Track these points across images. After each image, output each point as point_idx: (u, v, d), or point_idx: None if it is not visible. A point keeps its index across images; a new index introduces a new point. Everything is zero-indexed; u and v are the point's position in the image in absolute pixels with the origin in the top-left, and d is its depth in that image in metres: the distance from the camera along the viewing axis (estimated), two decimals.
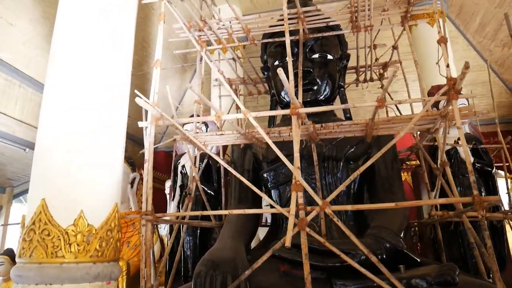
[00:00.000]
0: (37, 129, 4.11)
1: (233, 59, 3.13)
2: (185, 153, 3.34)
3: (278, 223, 2.41)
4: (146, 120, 1.85)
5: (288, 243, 1.53)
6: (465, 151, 1.43)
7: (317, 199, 1.59)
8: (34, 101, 4.34)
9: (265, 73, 2.79)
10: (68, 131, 1.47)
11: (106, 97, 1.54)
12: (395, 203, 1.60)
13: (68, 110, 1.48)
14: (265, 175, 2.47)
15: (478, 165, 2.54)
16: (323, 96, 2.51)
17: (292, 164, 2.38)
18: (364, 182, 2.40)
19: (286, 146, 2.42)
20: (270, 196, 2.51)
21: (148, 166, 1.74)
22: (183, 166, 3.03)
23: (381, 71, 2.95)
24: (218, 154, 2.93)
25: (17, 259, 1.43)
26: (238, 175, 1.76)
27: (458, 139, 2.48)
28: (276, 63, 2.59)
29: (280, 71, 1.40)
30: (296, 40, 2.52)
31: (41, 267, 1.33)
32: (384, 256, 1.77)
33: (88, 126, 1.49)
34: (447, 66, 1.56)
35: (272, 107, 2.78)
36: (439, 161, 2.49)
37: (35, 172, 1.49)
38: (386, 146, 1.75)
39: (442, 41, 1.59)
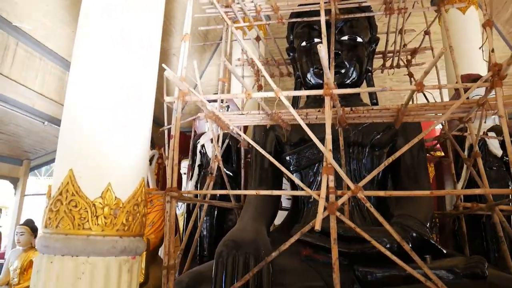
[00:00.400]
0: (56, 103, 4.14)
1: (256, 38, 3.05)
2: (204, 132, 3.31)
3: (300, 207, 2.38)
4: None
5: (318, 227, 1.50)
6: (507, 142, 1.36)
7: (350, 183, 1.55)
8: (54, 75, 4.33)
9: (291, 54, 2.72)
10: (98, 104, 1.44)
11: (136, 68, 1.50)
12: (430, 191, 1.55)
13: (99, 82, 1.45)
14: (287, 158, 2.43)
15: (507, 158, 2.46)
16: (350, 80, 2.44)
17: (314, 148, 2.35)
18: (389, 170, 2.34)
19: (311, 129, 2.37)
20: (291, 180, 2.47)
21: (174, 142, 1.72)
22: (203, 146, 3.00)
23: (409, 57, 2.85)
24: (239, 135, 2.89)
25: (42, 230, 1.42)
26: (266, 154, 1.72)
27: (488, 130, 2.39)
28: (304, 44, 2.52)
29: (320, 47, 1.34)
30: (326, 21, 2.44)
31: (67, 238, 1.32)
32: (410, 245, 1.73)
33: (119, 100, 1.46)
34: (492, 51, 1.48)
35: (297, 89, 2.71)
36: (466, 152, 2.42)
37: (62, 143, 1.46)
38: (421, 135, 1.69)
39: (488, 24, 1.50)
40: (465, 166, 2.16)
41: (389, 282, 1.70)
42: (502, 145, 2.39)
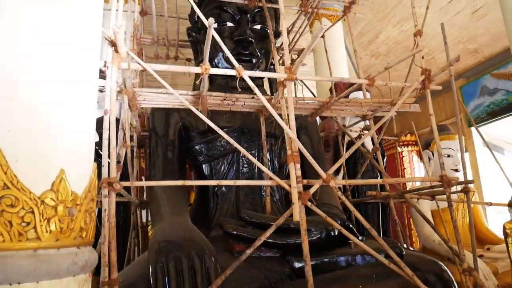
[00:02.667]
0: None
1: (141, 13, 2.66)
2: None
3: (209, 199, 2.19)
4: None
5: (297, 218, 1.42)
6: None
7: (321, 172, 1.52)
8: None
9: (194, 34, 2.49)
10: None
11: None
12: (382, 180, 1.68)
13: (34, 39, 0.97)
14: (196, 147, 2.22)
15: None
16: (259, 71, 2.41)
17: (229, 136, 2.22)
18: None
19: (224, 116, 2.23)
20: (199, 172, 2.27)
21: (110, 117, 1.32)
22: None
23: (295, 57, 3.05)
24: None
25: None
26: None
27: (363, 129, 2.77)
28: (215, 25, 2.34)
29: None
30: (240, 6, 2.35)
31: (2, 258, 0.83)
32: (336, 233, 1.82)
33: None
34: (422, 57, 1.73)
35: (197, 76, 2.50)
36: (345, 146, 2.77)
37: None
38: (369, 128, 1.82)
39: (418, 34, 1.75)
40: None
41: (321, 270, 1.76)
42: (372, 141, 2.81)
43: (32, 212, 0.89)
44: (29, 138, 0.92)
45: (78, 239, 0.98)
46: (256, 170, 2.21)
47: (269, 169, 2.26)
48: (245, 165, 2.20)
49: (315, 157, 2.41)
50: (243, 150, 1.55)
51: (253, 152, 2.23)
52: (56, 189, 0.93)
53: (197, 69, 1.53)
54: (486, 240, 2.55)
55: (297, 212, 1.41)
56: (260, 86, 2.50)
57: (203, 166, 2.21)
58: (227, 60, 2.32)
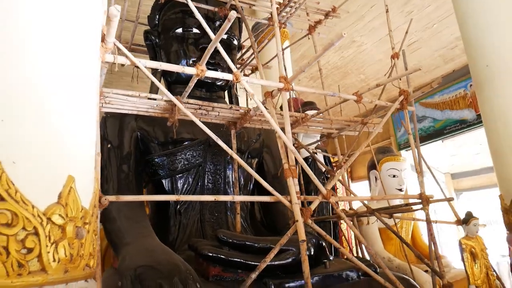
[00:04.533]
0: None
1: None
2: None
3: (169, 216, 1.96)
4: None
5: (303, 237, 1.32)
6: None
7: (321, 188, 1.44)
8: None
9: (152, 38, 2.27)
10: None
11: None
12: (371, 197, 1.66)
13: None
14: (157, 160, 1.99)
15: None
16: (222, 82, 2.29)
17: (194, 150, 2.04)
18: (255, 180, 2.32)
19: (189, 128, 2.05)
20: (157, 187, 2.02)
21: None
22: None
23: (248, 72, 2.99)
24: None
25: None
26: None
27: (316, 148, 2.80)
28: (179, 31, 2.16)
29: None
30: (207, 12, 2.22)
31: None
32: (313, 251, 1.78)
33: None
34: (400, 79, 1.80)
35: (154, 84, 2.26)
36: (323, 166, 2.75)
37: None
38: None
39: (396, 56, 1.82)
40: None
41: None
42: (325, 161, 2.85)
43: (36, 233, 0.64)
44: (28, 133, 0.68)
45: (87, 270, 0.74)
46: (222, 186, 2.05)
47: (232, 186, 2.12)
48: (210, 181, 2.03)
49: (276, 174, 2.37)
50: (236, 156, 1.41)
51: (218, 167, 2.07)
52: (65, 202, 0.69)
53: (192, 70, 1.36)
54: (425, 254, 2.72)
55: (302, 230, 1.30)
56: (222, 98, 2.36)
57: (164, 181, 1.98)
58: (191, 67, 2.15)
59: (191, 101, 1.71)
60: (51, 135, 0.72)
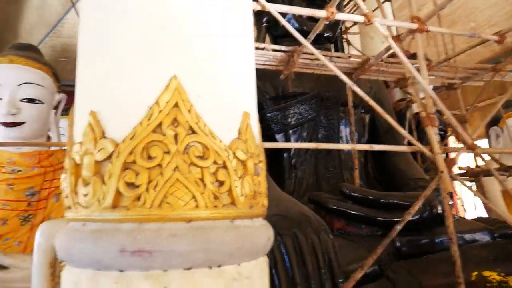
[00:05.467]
0: None
1: None
2: None
3: (283, 171, 1.95)
4: None
5: (450, 189, 1.20)
6: None
7: (466, 137, 1.30)
8: None
9: None
10: None
11: None
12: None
13: None
14: (269, 114, 1.96)
15: None
16: (331, 32, 2.16)
17: (307, 103, 1.98)
18: (369, 134, 2.21)
19: (300, 82, 1.99)
20: (272, 142, 2.02)
21: None
22: None
23: None
24: None
25: (88, 213, 0.60)
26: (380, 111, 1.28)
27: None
28: None
29: None
30: None
31: (200, 231, 0.58)
32: (440, 211, 1.64)
33: None
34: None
35: (261, 36, 2.22)
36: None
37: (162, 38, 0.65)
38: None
39: None
40: None
41: (428, 250, 1.57)
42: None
43: (225, 167, 0.64)
44: (205, 64, 0.66)
45: (263, 208, 0.73)
46: (336, 140, 1.98)
47: (347, 140, 2.04)
48: (324, 135, 1.97)
49: (390, 128, 2.22)
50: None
51: (332, 121, 1.99)
52: (245, 138, 0.68)
53: (322, 13, 1.27)
54: None
55: (448, 182, 1.18)
56: (328, 51, 2.24)
57: (277, 135, 1.97)
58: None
59: (310, 50, 1.62)
60: (226, 70, 0.70)
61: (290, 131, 1.95)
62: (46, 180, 1.77)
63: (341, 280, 1.21)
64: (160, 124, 0.60)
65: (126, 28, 0.65)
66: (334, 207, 1.56)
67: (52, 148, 1.95)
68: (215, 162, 0.62)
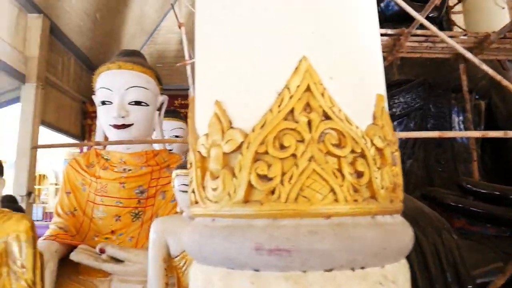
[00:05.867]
0: None
1: None
2: None
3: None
4: None
5: None
6: None
7: None
8: None
9: None
10: None
11: None
12: None
13: None
14: None
15: None
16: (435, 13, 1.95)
17: (414, 91, 1.81)
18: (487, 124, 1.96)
19: (404, 69, 1.83)
20: None
21: None
22: None
23: None
24: None
25: (216, 208, 0.57)
26: None
27: None
28: None
29: None
30: None
31: (340, 227, 0.51)
32: None
33: None
34: None
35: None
36: None
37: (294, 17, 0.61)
38: None
39: None
40: None
41: None
42: None
43: (363, 156, 0.56)
44: (337, 40, 0.59)
45: (400, 204, 0.64)
46: (449, 129, 1.79)
47: (461, 130, 1.82)
48: (433, 124, 1.79)
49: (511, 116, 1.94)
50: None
51: (442, 109, 1.80)
52: (381, 123, 0.60)
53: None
54: None
55: None
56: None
57: None
58: None
59: (419, 31, 1.48)
60: (360, 47, 0.62)
61: (395, 122, 1.80)
62: (153, 178, 1.86)
63: (469, 287, 1.07)
64: (292, 111, 0.55)
65: (247, 8, 0.61)
66: (454, 204, 1.40)
67: (157, 148, 2.05)
68: (352, 151, 0.55)
